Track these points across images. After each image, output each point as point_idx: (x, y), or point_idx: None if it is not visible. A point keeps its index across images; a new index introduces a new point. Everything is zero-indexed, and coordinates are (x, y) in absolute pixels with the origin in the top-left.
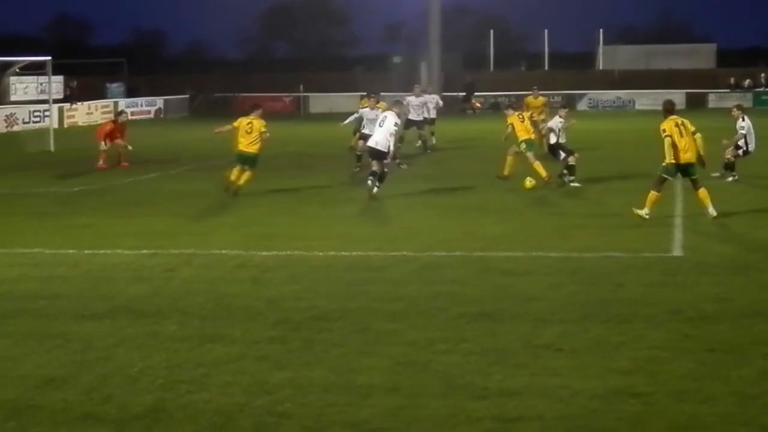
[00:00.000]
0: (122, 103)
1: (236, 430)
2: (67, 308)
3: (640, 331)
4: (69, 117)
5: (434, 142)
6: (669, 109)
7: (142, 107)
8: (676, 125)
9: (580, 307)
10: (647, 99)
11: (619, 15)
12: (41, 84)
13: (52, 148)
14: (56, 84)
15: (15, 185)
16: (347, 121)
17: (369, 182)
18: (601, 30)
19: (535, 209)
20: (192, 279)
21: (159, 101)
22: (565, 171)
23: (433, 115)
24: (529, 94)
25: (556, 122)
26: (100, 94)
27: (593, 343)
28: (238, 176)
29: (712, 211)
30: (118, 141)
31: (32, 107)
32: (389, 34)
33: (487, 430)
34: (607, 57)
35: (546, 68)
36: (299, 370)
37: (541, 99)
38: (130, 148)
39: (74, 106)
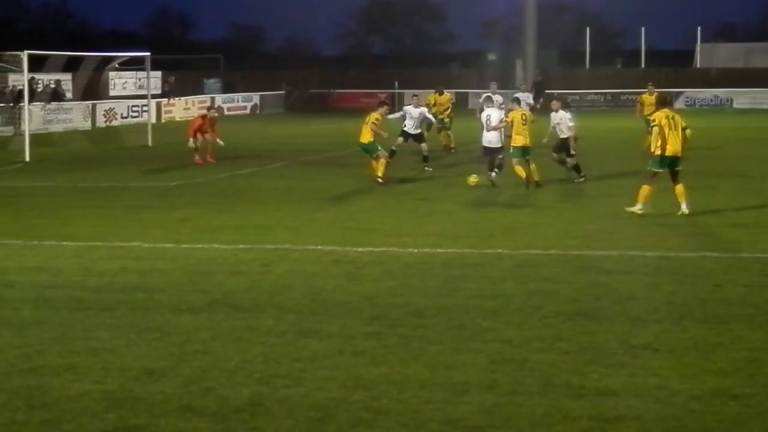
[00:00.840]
0: (219, 98)
1: (333, 425)
2: (166, 301)
3: (740, 332)
4: (166, 112)
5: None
6: (663, 101)
7: (238, 103)
8: (667, 118)
9: (678, 306)
10: (745, 98)
11: (719, 12)
12: (140, 79)
13: (150, 143)
14: (154, 79)
15: (114, 179)
16: (392, 117)
17: (493, 174)
18: (699, 27)
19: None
20: (288, 274)
21: (255, 97)
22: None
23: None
24: (644, 92)
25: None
26: (197, 89)
27: (691, 343)
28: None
29: (685, 209)
30: (207, 136)
31: (131, 102)
32: (485, 31)
33: (585, 429)
34: (704, 55)
35: (642, 66)
36: (395, 367)
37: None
38: (221, 143)
39: (171, 101)
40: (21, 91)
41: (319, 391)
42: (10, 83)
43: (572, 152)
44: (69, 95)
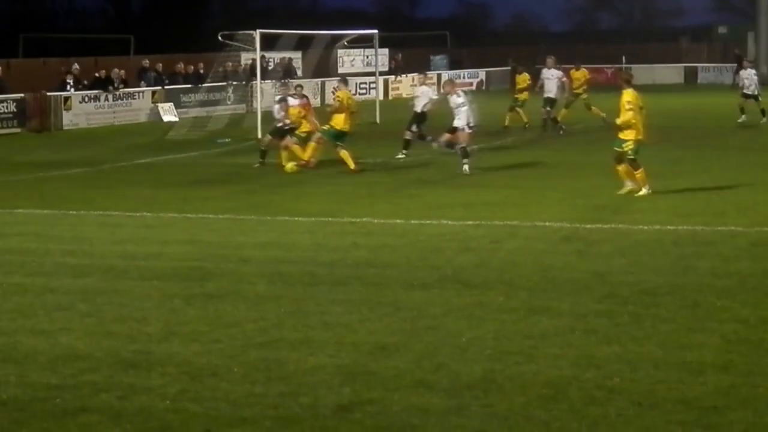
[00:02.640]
0: (445, 75)
1: (565, 403)
2: (397, 277)
3: None
4: (393, 89)
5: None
6: (629, 80)
7: (464, 79)
8: (636, 97)
9: None
10: None
11: None
12: (368, 57)
13: (378, 120)
14: (382, 57)
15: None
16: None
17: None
18: None
19: None
20: (517, 251)
21: (481, 73)
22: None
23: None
24: None
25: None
26: (424, 66)
27: None
28: None
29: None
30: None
31: (359, 79)
32: (716, 4)
33: None
34: None
35: None
36: (628, 345)
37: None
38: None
39: (398, 78)
40: (253, 69)
41: (550, 369)
42: (243, 61)
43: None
44: (299, 73)
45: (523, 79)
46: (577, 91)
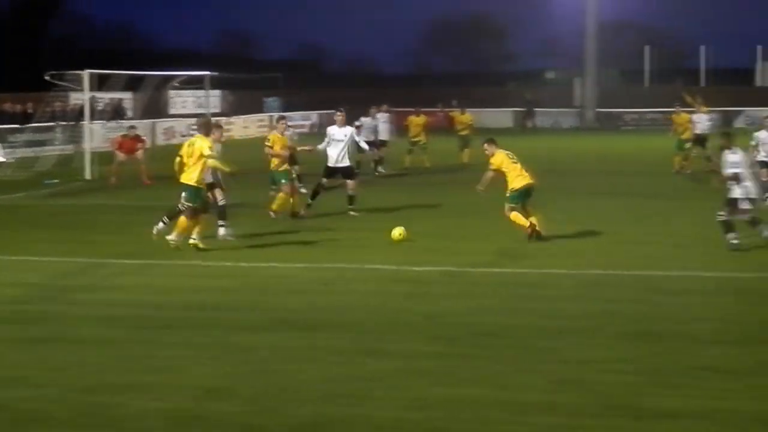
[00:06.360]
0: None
1: None
2: (226, 319)
3: None
4: (226, 131)
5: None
6: (493, 141)
7: (296, 121)
8: (507, 156)
9: (739, 327)
10: None
11: None
12: (199, 98)
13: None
14: (214, 98)
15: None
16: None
17: None
18: (759, 46)
19: (694, 229)
20: (348, 293)
21: (314, 115)
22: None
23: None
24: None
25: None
26: (256, 108)
27: (753, 364)
28: None
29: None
30: (139, 154)
31: (190, 121)
32: (545, 50)
33: None
34: (765, 73)
35: (702, 84)
36: (456, 387)
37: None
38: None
39: (231, 120)
40: (82, 109)
41: (379, 411)
42: (72, 101)
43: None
44: (130, 113)
45: (468, 118)
46: (416, 138)
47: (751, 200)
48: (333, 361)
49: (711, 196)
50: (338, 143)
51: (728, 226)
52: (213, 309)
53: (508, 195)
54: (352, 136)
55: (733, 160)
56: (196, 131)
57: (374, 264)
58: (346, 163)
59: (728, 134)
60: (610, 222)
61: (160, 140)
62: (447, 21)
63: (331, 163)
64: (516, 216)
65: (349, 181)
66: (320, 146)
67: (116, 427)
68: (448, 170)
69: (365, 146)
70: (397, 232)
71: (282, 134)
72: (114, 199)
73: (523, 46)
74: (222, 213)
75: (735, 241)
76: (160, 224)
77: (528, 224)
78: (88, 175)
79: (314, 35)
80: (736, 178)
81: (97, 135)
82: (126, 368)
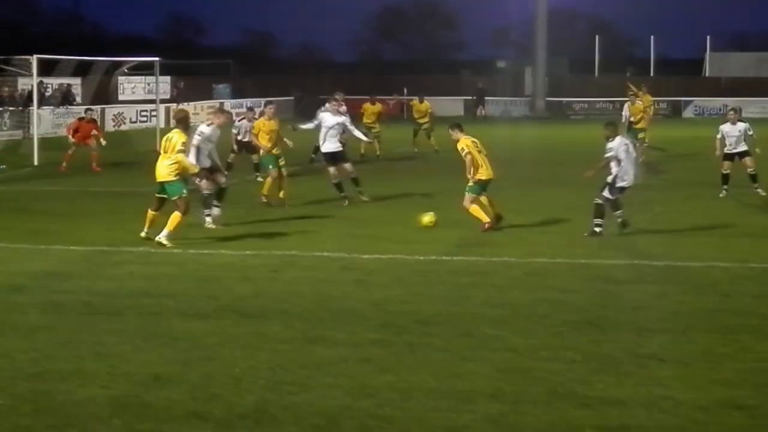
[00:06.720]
0: (228, 103)
1: None
2: (173, 307)
3: (747, 342)
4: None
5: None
6: (459, 126)
7: (246, 108)
8: (473, 142)
9: (686, 316)
10: (756, 107)
11: (730, 22)
12: (149, 84)
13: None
14: (163, 84)
15: (124, 183)
16: (305, 127)
17: None
18: (708, 37)
19: (641, 217)
20: (296, 280)
21: (264, 102)
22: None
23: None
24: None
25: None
26: (207, 94)
27: (698, 353)
28: None
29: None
30: (90, 142)
31: (139, 107)
32: (496, 39)
33: None
34: (714, 64)
35: (652, 74)
36: (401, 374)
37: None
38: (103, 142)
39: (180, 106)
40: (30, 95)
41: (325, 399)
42: (20, 87)
43: None
44: (78, 99)
45: (426, 107)
46: (370, 126)
47: (622, 188)
48: (280, 348)
49: (660, 186)
50: (330, 130)
51: (600, 212)
52: (161, 296)
53: (470, 185)
54: (344, 125)
55: (610, 146)
56: (174, 126)
57: (323, 251)
58: (339, 147)
59: (613, 124)
60: (558, 211)
61: (110, 127)
62: (398, 9)
63: (329, 150)
64: (476, 210)
65: (346, 165)
66: (303, 126)
67: (61, 413)
68: (402, 159)
69: (360, 135)
70: (427, 218)
71: (269, 119)
72: (63, 185)
73: (474, 35)
74: (206, 202)
75: (599, 229)
76: (208, 216)
77: (488, 220)
78: (36, 161)
79: (262, 23)
80: (613, 164)
81: (45, 121)
82: (73, 355)
